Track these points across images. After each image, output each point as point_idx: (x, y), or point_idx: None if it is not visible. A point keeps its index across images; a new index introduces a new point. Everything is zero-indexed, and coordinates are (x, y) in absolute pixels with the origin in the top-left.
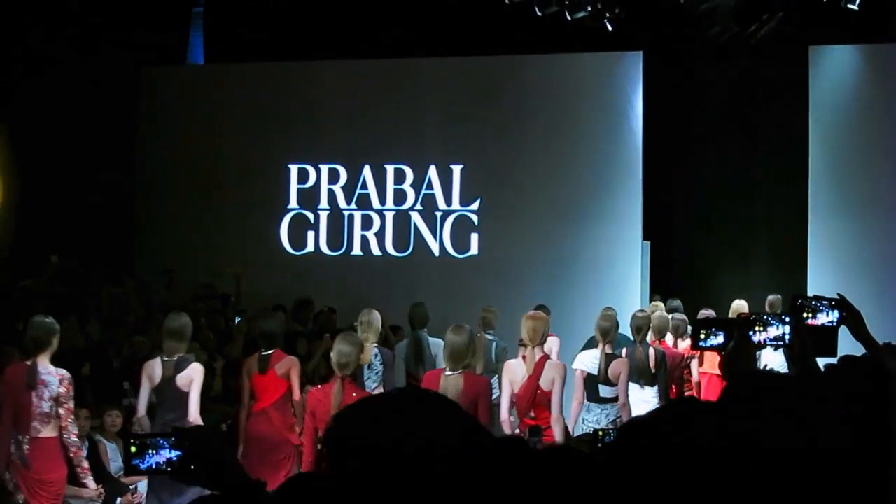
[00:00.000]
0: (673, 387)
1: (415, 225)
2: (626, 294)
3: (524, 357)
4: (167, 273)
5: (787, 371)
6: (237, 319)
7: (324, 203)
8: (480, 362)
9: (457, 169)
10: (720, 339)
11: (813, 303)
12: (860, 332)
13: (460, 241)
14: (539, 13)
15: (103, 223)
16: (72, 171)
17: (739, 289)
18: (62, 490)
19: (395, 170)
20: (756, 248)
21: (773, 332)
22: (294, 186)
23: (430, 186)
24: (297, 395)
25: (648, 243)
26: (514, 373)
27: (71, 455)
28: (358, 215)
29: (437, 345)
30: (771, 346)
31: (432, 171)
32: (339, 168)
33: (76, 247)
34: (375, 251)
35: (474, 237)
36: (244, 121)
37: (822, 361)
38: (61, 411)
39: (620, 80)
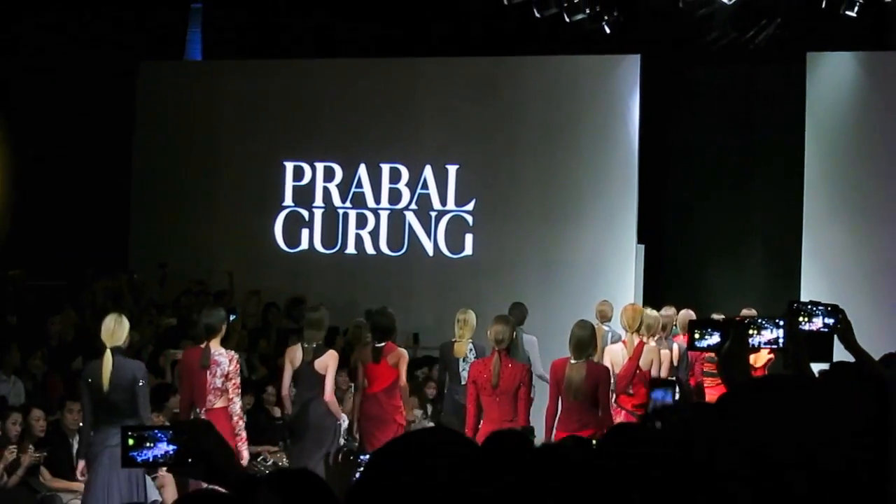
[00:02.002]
0: (692, 378)
1: (409, 224)
2: (619, 296)
3: (625, 342)
4: (161, 268)
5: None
6: (232, 317)
7: (318, 201)
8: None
9: (452, 169)
10: (715, 339)
11: (809, 307)
12: (849, 342)
13: (454, 242)
14: (538, 15)
15: (98, 217)
16: (68, 165)
17: (733, 294)
18: (233, 453)
19: (391, 169)
20: (750, 253)
21: (768, 335)
22: (289, 184)
23: (425, 186)
24: (403, 381)
25: (643, 246)
26: (616, 355)
27: (233, 423)
28: (353, 214)
29: (529, 342)
30: (765, 349)
31: (428, 171)
32: (335, 166)
33: (71, 240)
34: (369, 250)
35: (468, 237)
36: (240, 117)
37: (816, 367)
38: (229, 385)
39: (617, 82)
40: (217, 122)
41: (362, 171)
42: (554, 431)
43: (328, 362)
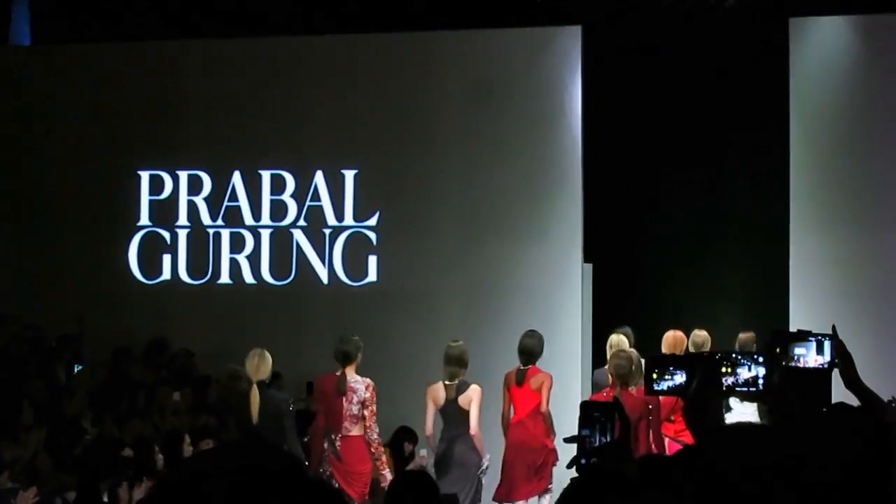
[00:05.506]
0: None
1: (298, 245)
2: (562, 327)
3: None
4: None
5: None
6: (76, 367)
7: (183, 219)
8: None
9: (349, 175)
10: (679, 379)
11: (797, 339)
12: (851, 379)
13: (355, 266)
14: None
15: None
16: None
17: (703, 319)
18: (370, 480)
19: (273, 176)
20: (724, 269)
21: (745, 374)
22: (145, 198)
23: (316, 197)
24: (544, 407)
25: (591, 265)
26: None
27: (373, 450)
28: (226, 234)
29: None
30: (740, 391)
31: (319, 178)
32: (202, 175)
33: None
34: (248, 278)
35: (372, 260)
36: (82, 116)
37: None
38: (366, 412)
39: (554, 61)
40: (52, 124)
41: (237, 179)
42: None
43: (472, 397)
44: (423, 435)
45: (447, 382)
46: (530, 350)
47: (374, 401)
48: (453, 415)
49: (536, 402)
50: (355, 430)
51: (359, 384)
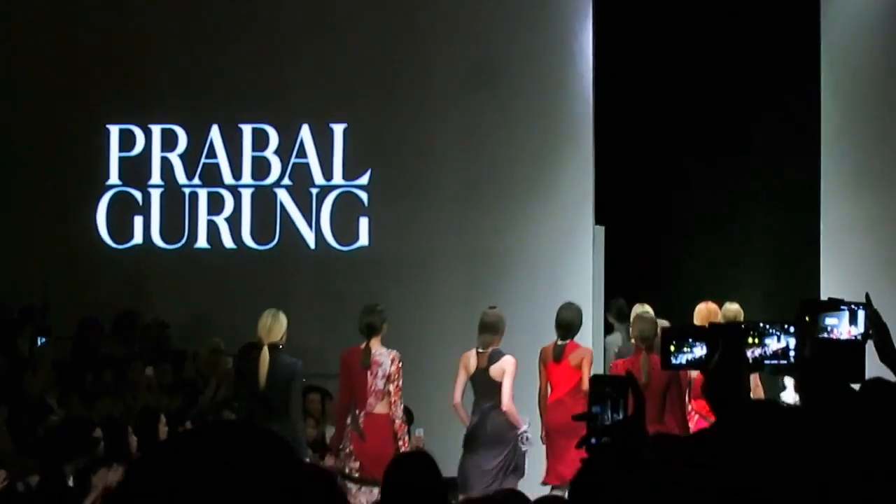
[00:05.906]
0: None
1: (282, 206)
2: (572, 294)
3: None
4: None
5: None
6: (41, 340)
7: (156, 178)
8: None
9: (339, 129)
10: (700, 352)
11: (828, 308)
12: (887, 351)
13: (345, 229)
14: None
15: None
16: None
17: (725, 287)
18: None
19: (254, 131)
20: (749, 233)
21: (774, 344)
22: (115, 155)
23: (302, 154)
24: (585, 385)
25: (603, 228)
26: None
27: (395, 429)
28: (203, 193)
29: None
30: (769, 365)
31: (305, 133)
32: (177, 129)
33: None
34: (228, 242)
35: (363, 222)
36: (45, 65)
37: None
38: (391, 388)
39: (564, 12)
40: (11, 73)
41: (215, 134)
42: None
43: (505, 368)
44: (450, 403)
45: (480, 350)
46: (569, 323)
47: (400, 376)
48: (484, 385)
49: (576, 379)
50: (380, 407)
51: (384, 357)
